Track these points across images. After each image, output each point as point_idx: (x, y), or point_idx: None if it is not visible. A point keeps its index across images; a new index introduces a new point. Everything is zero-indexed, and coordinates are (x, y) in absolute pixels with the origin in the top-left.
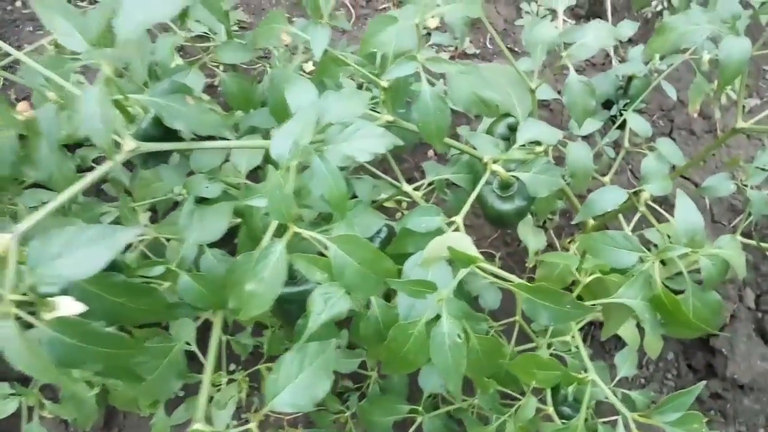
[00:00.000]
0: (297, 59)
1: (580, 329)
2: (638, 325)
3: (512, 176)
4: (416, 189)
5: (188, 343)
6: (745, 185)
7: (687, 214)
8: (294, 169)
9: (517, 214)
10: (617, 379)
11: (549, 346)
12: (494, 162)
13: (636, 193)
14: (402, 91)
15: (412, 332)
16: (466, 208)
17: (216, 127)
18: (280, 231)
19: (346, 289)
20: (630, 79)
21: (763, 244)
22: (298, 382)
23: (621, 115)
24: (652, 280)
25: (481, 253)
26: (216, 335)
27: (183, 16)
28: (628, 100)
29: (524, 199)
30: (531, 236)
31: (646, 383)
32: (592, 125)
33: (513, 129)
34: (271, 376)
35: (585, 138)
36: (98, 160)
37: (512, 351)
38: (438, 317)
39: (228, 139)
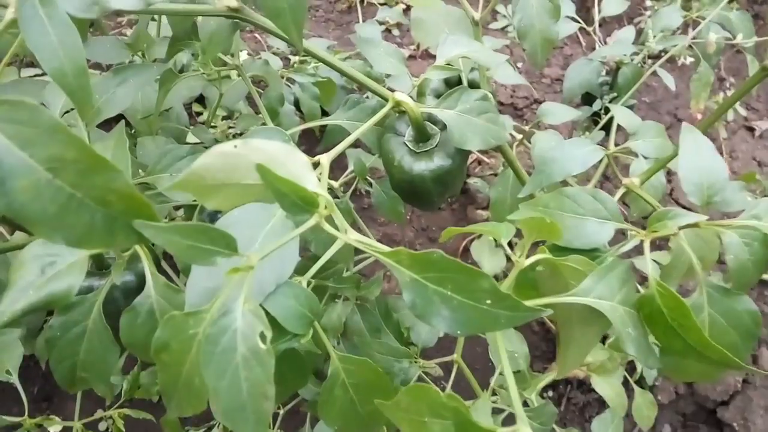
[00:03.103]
0: None
1: (551, 386)
2: (626, 384)
3: (427, 115)
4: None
5: (9, 372)
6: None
7: (698, 158)
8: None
9: (435, 180)
10: None
11: (494, 394)
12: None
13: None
14: None
15: (195, 332)
16: (350, 140)
17: None
18: None
19: (21, 221)
20: (617, 68)
21: None
22: None
23: (606, 113)
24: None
25: None
26: None
27: None
28: (615, 95)
29: (448, 156)
30: (487, 255)
31: None
32: (567, 114)
33: (450, 84)
34: None
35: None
36: None
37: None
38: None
39: None
